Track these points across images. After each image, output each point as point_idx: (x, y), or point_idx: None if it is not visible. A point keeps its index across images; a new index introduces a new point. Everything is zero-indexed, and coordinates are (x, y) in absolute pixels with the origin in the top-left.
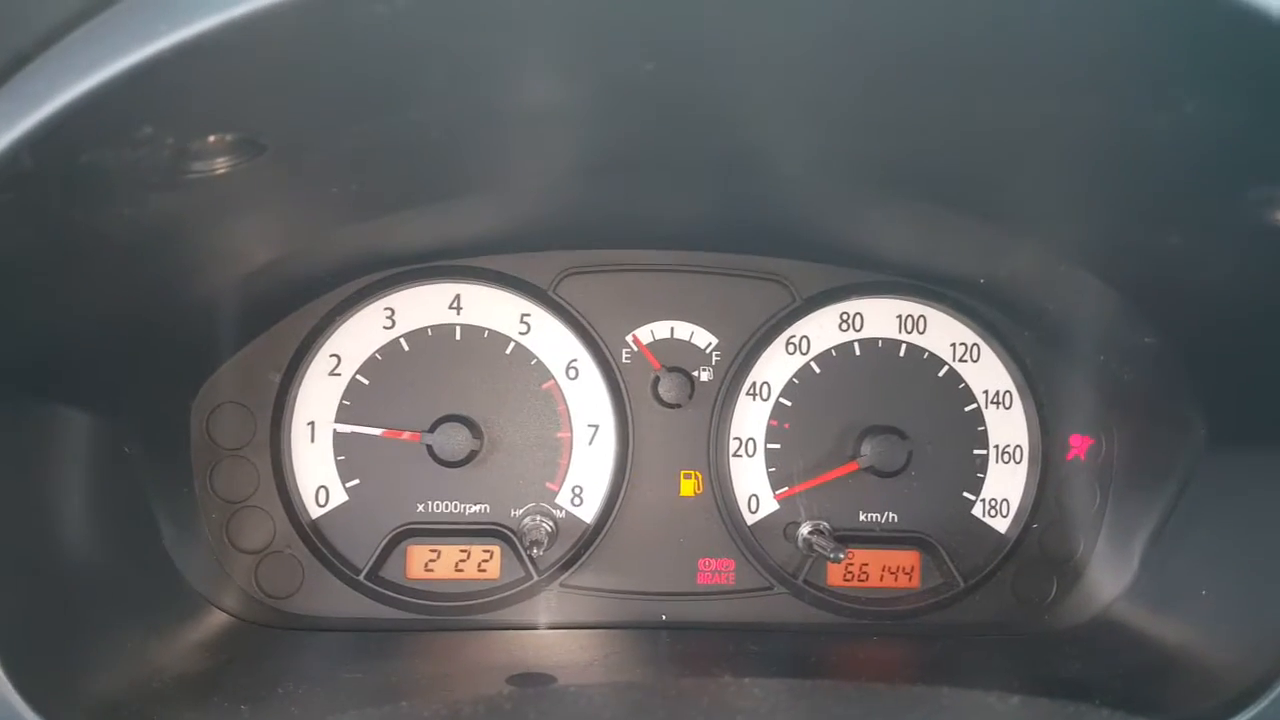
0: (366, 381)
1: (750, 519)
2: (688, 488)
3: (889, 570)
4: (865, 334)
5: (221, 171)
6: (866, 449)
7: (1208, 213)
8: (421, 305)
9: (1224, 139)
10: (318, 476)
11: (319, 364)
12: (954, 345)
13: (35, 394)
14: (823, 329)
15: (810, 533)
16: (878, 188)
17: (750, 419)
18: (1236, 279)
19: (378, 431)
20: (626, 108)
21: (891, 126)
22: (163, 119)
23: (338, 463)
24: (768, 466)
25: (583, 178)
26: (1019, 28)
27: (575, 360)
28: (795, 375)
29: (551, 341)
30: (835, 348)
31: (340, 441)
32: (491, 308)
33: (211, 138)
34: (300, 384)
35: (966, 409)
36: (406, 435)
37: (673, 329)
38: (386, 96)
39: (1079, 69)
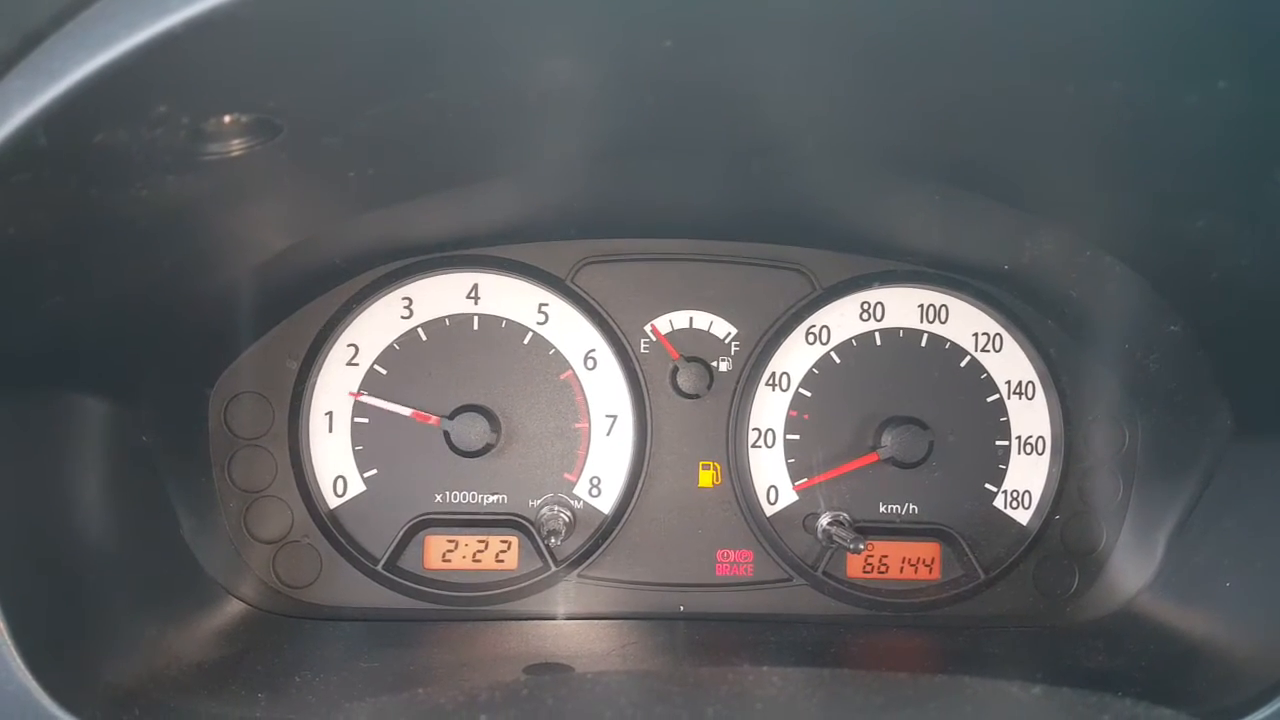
0: (384, 371)
1: (769, 510)
2: (706, 479)
3: (909, 562)
4: (886, 324)
5: (237, 153)
6: (887, 440)
7: (1236, 196)
8: (439, 295)
9: (1254, 119)
10: (336, 466)
11: (337, 353)
12: (976, 335)
13: (53, 383)
14: (843, 318)
15: (830, 524)
16: (901, 172)
17: (769, 409)
18: (1265, 265)
19: (407, 411)
20: (645, 87)
21: (915, 108)
22: (177, 97)
23: (355, 452)
24: (787, 457)
25: (601, 163)
26: (1045, 4)
27: (593, 350)
28: (815, 365)
29: (569, 331)
30: (856, 337)
31: (358, 431)
32: (509, 297)
33: (227, 118)
34: (318, 373)
35: (989, 399)
36: (434, 420)
37: (691, 319)
38: (402, 76)
39: (1105, 47)
